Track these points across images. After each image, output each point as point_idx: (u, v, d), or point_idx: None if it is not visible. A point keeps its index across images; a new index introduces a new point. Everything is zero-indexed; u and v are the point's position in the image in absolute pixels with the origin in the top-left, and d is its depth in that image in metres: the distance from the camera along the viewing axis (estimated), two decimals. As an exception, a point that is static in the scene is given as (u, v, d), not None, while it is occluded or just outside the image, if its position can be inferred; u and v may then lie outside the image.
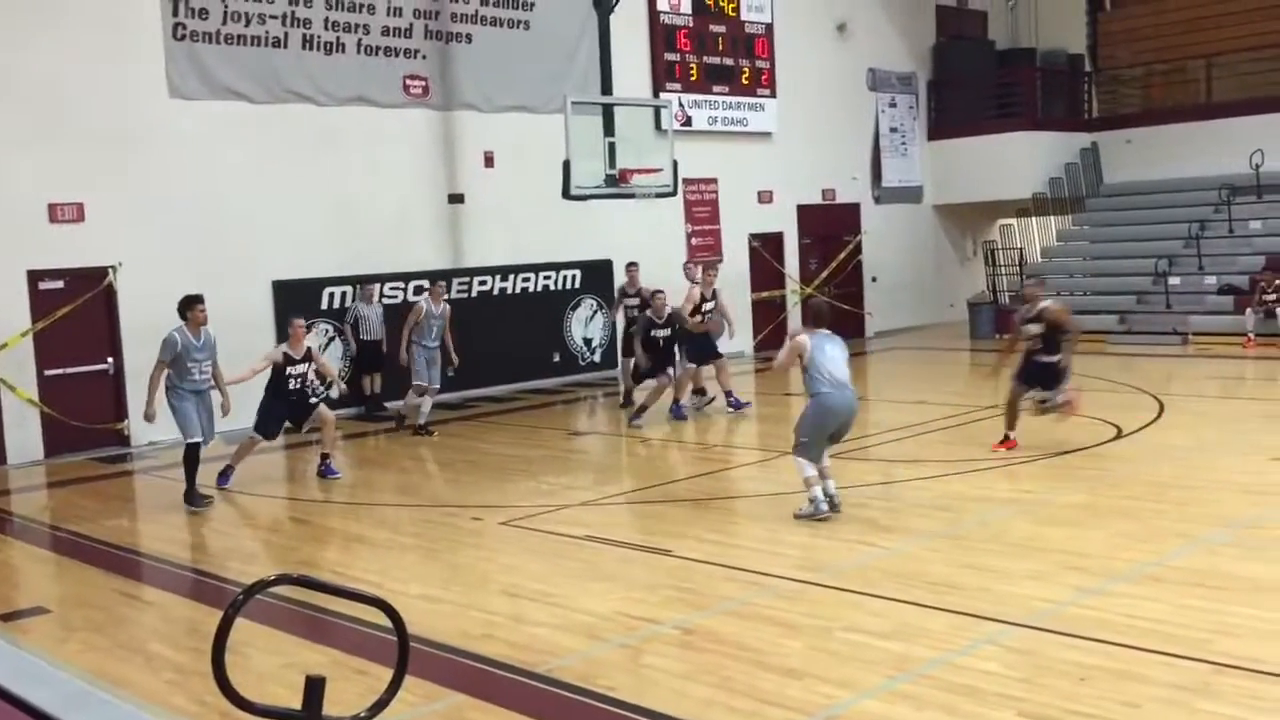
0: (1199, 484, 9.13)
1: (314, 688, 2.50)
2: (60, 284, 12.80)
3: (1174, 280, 18.98)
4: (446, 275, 15.73)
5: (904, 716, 5.02)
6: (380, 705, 2.67)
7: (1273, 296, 17.08)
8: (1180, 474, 9.51)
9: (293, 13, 14.37)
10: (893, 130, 22.07)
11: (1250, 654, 5.43)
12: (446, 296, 13.57)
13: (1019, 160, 21.70)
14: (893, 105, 22.03)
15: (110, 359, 13.16)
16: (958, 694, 5.18)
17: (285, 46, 14.34)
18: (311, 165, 14.55)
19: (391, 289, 15.27)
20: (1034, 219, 22.41)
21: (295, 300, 14.41)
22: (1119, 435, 11.01)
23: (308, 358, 10.61)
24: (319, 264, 14.62)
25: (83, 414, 12.81)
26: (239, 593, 2.63)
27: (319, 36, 14.62)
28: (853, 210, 21.40)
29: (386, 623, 2.76)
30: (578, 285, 17.31)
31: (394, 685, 2.72)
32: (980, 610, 6.29)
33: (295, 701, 2.49)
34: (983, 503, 8.85)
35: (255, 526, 9.47)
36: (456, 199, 15.99)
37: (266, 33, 14.18)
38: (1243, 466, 9.70)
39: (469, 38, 16.01)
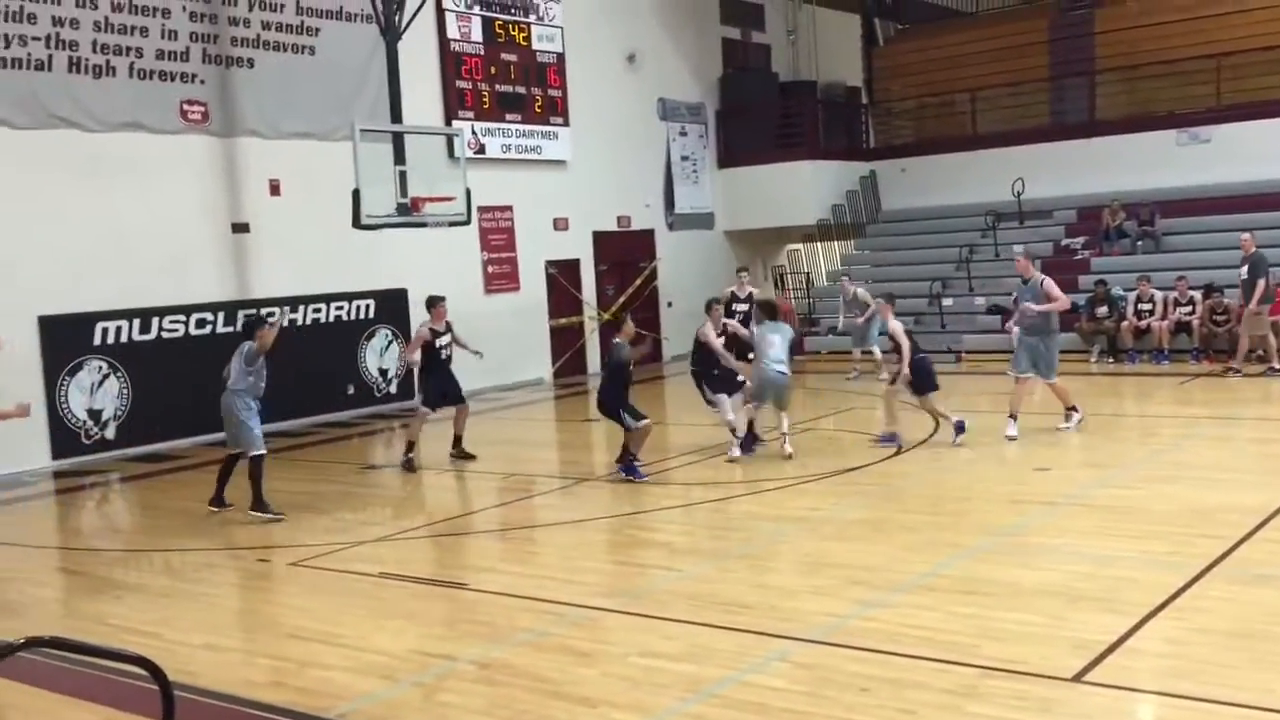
0: (971, 495, 9.66)
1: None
2: None
3: (948, 301, 20.10)
4: (231, 307, 15.18)
5: (695, 738, 5.11)
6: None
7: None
8: (954, 486, 10.05)
9: (58, 34, 13.62)
10: (684, 158, 22.59)
11: (1013, 656, 5.77)
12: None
13: (803, 188, 22.57)
14: (683, 134, 22.56)
15: None
16: (747, 712, 5.32)
17: (50, 69, 13.57)
18: (81, 194, 13.79)
19: (172, 322, 14.60)
20: (819, 244, 23.35)
21: (65, 337, 13.64)
22: (899, 451, 11.55)
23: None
24: (92, 297, 13.84)
25: None
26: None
27: (87, 59, 13.89)
28: (647, 236, 21.79)
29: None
30: (372, 315, 16.98)
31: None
32: (768, 628, 6.47)
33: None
34: (774, 522, 9.12)
35: (22, 580, 8.85)
36: (241, 228, 15.45)
37: (29, 54, 13.38)
38: (1009, 477, 10.35)
39: (250, 62, 15.53)
